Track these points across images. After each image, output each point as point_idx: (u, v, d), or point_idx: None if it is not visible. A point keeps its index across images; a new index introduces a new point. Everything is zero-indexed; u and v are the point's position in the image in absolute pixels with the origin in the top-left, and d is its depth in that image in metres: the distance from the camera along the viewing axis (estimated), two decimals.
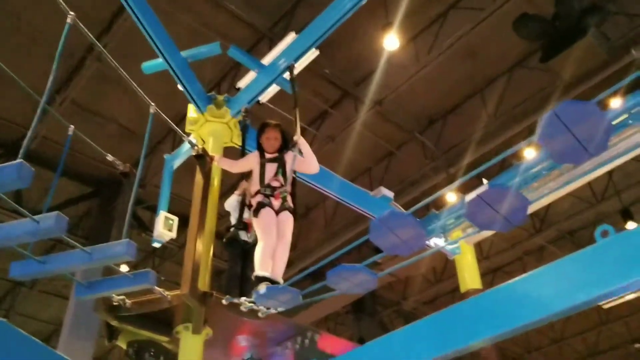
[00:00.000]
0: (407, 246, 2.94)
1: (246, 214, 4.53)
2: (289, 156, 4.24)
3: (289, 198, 4.26)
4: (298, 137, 4.16)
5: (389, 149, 11.05)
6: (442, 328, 2.75)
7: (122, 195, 10.66)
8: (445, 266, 13.58)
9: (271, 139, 4.39)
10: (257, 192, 4.22)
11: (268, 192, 4.16)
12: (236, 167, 4.62)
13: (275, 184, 4.22)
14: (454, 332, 2.68)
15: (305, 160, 4.25)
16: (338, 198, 6.98)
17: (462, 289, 7.38)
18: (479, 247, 12.46)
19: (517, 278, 2.56)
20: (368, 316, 14.34)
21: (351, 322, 14.70)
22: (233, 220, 5.29)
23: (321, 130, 10.47)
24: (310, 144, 10.75)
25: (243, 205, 4.52)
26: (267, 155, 4.35)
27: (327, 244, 12.22)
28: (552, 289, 2.43)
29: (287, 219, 4.21)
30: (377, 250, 3.33)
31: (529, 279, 2.53)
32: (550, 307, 2.40)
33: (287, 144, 4.38)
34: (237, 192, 5.33)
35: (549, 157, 2.47)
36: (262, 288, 3.76)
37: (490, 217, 2.70)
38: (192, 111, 5.79)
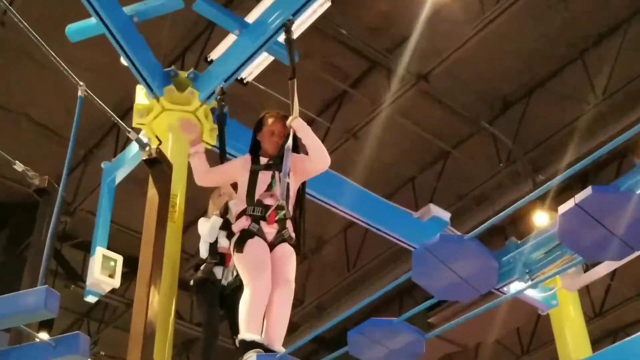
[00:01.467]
0: (469, 287, 2.94)
1: (223, 241, 4.55)
2: (286, 158, 4.32)
3: (289, 224, 4.32)
4: (293, 119, 4.31)
5: (442, 148, 11.09)
6: None
7: (38, 225, 10.74)
8: (535, 327, 13.45)
9: (275, 136, 4.52)
10: (242, 213, 4.28)
11: (258, 212, 4.23)
12: (212, 175, 4.74)
13: (269, 201, 4.29)
14: None
15: (307, 157, 4.38)
16: (366, 223, 7.05)
17: None
18: (587, 296, 12.31)
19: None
20: None
21: None
22: (204, 251, 5.38)
23: (337, 121, 10.55)
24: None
25: (227, 225, 4.65)
26: (262, 160, 4.44)
27: (350, 295, 12.21)
28: None
29: (287, 255, 4.26)
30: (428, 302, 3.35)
31: None
32: None
33: (296, 144, 4.48)
34: (211, 210, 5.39)
35: None
36: (251, 358, 3.76)
37: (598, 239, 2.71)
38: (142, 96, 5.86)
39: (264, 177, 4.38)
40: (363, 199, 6.98)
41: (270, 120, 4.60)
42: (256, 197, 4.32)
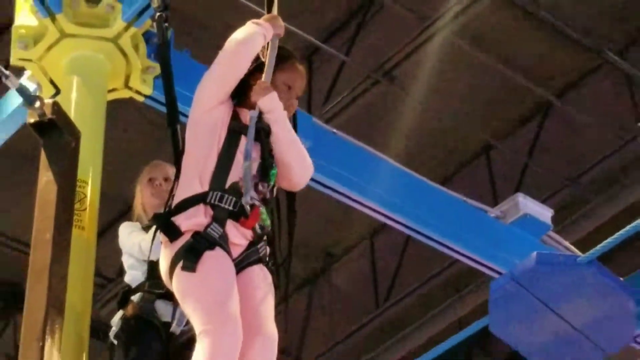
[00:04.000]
0: (587, 343, 2.96)
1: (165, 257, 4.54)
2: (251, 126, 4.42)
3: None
4: (263, 92, 4.36)
5: (539, 96, 11.23)
6: None
7: None
8: None
9: (292, 95, 4.68)
10: (198, 200, 4.27)
11: (228, 204, 4.25)
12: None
13: (251, 193, 4.32)
14: None
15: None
16: (407, 227, 7.19)
17: None
18: None
19: None
20: None
21: None
22: (136, 274, 5.39)
23: (358, 50, 10.63)
24: (328, 96, 10.71)
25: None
26: (246, 116, 4.44)
27: (381, 349, 12.30)
28: None
29: (265, 286, 4.36)
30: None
31: None
32: None
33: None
34: (140, 206, 5.43)
35: None
36: None
37: None
38: (25, 12, 5.92)
39: (250, 149, 4.41)
40: (402, 185, 7.13)
41: (298, 68, 4.73)
42: (231, 178, 4.35)
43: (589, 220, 10.59)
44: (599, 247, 2.90)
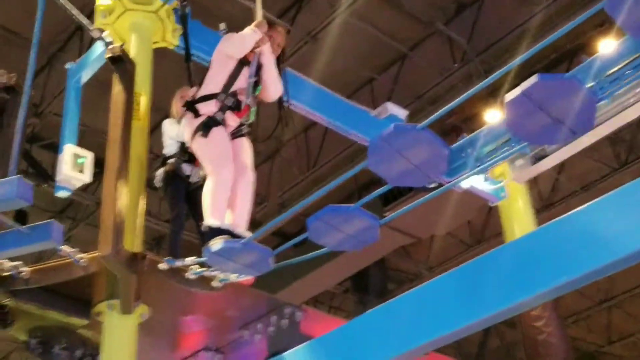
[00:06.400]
0: (421, 173, 2.99)
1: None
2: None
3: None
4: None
5: (399, 50, 10.99)
6: (472, 285, 2.88)
7: (6, 121, 10.53)
8: (486, 219, 13.75)
9: (275, 45, 4.68)
10: (212, 97, 4.33)
11: (229, 103, 4.30)
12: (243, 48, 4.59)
13: (242, 97, 4.40)
14: (489, 290, 2.78)
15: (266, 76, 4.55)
16: (325, 122, 7.05)
17: None
18: (535, 189, 12.56)
19: (576, 209, 2.62)
20: (376, 296, 14.53)
21: (352, 306, 15.02)
22: (172, 148, 5.43)
23: (297, 23, 10.32)
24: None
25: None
26: (250, 56, 4.50)
27: (312, 193, 12.33)
28: (628, 221, 2.51)
29: (246, 146, 4.46)
30: (384, 198, 3.41)
31: (593, 209, 2.60)
32: (624, 246, 2.49)
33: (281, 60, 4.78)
34: (175, 111, 5.43)
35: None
36: (217, 244, 3.74)
37: (542, 125, 2.74)
38: None
39: (247, 74, 4.45)
40: (322, 98, 6.94)
41: (279, 29, 4.78)
42: (234, 88, 4.37)
43: (421, 120, 10.63)
44: (426, 121, 2.89)
